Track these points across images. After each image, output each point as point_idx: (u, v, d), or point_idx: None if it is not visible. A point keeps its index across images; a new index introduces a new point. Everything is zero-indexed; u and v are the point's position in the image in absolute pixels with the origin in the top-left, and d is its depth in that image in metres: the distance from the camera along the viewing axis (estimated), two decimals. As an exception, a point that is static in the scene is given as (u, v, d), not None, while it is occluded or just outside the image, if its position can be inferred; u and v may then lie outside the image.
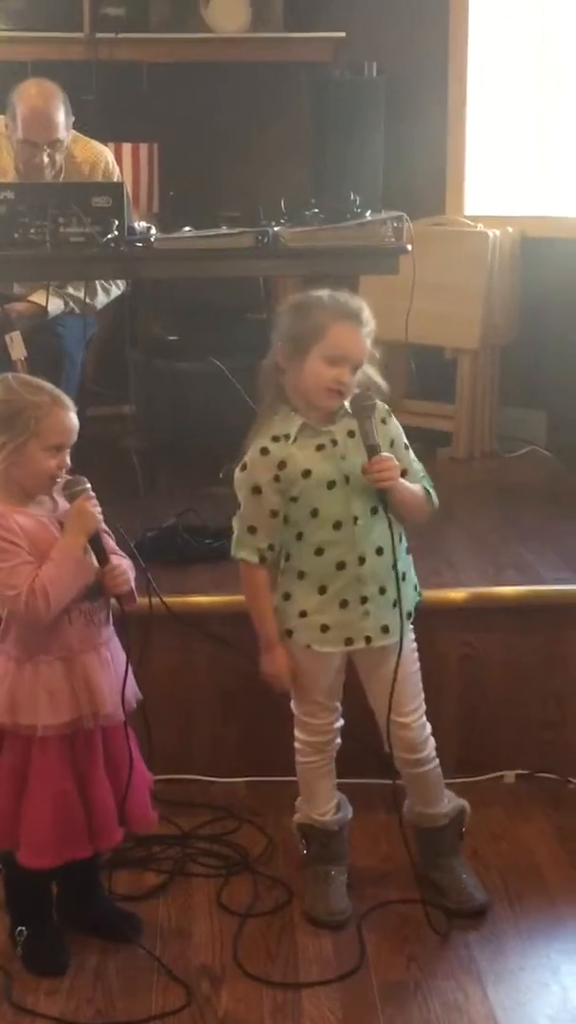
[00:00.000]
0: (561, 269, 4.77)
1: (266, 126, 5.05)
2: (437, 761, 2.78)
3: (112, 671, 2.52)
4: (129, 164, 4.83)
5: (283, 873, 2.89)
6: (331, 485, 2.61)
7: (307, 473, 2.60)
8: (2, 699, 2.50)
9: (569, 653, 3.32)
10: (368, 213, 3.67)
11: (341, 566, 2.63)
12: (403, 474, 2.63)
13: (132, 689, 2.57)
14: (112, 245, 3.48)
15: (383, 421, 2.65)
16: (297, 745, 2.80)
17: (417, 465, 2.71)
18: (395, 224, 3.61)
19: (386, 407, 2.67)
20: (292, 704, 2.78)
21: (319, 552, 2.63)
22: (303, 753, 2.79)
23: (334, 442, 2.61)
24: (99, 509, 2.46)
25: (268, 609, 2.70)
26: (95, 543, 2.46)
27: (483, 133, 5.05)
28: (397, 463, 2.59)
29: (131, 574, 2.55)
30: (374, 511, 2.61)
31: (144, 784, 2.63)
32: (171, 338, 4.38)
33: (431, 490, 2.68)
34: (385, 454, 2.58)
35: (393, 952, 2.63)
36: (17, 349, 3.77)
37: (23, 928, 2.61)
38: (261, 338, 4.52)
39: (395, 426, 2.69)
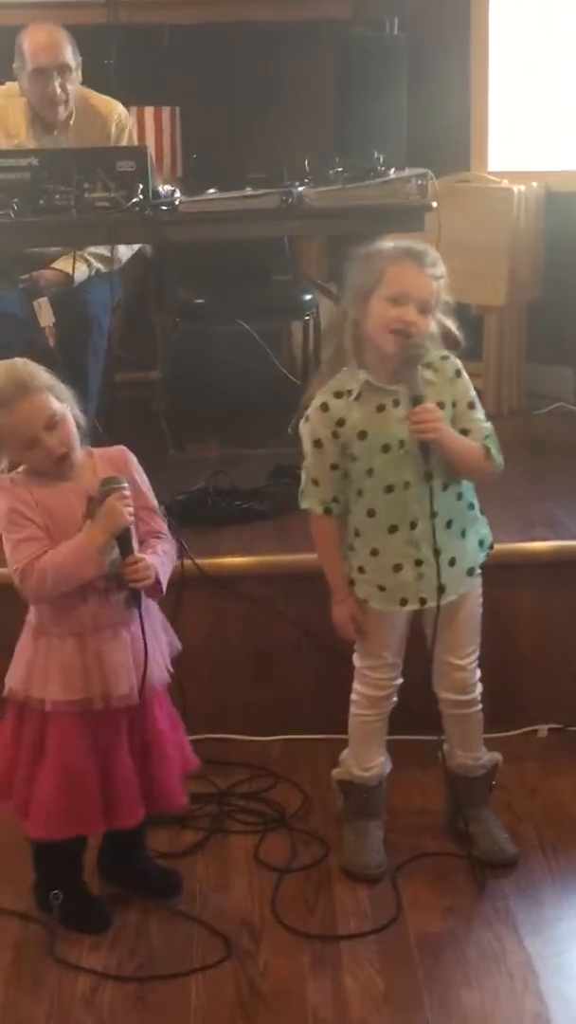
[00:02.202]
0: (587, 225, 4.75)
1: (288, 86, 5.02)
2: (481, 707, 2.80)
3: (130, 651, 2.49)
4: (152, 128, 4.82)
5: (319, 829, 2.92)
6: (386, 449, 2.60)
7: (363, 435, 2.60)
8: (20, 670, 2.52)
9: (601, 609, 3.33)
10: (392, 171, 3.65)
11: (393, 530, 2.63)
12: (465, 433, 2.63)
13: (162, 665, 2.55)
14: (137, 209, 3.47)
15: (457, 374, 2.64)
16: (354, 697, 2.81)
17: (483, 425, 2.67)
18: (419, 182, 3.59)
19: (457, 364, 2.65)
20: (355, 657, 2.79)
21: (371, 514, 2.64)
22: (359, 706, 2.80)
23: (396, 403, 2.60)
24: (131, 508, 2.43)
25: (336, 559, 2.71)
26: (122, 537, 2.43)
27: (506, 88, 5.01)
28: (440, 415, 2.57)
29: (165, 566, 2.51)
30: (428, 475, 2.59)
31: (175, 766, 2.59)
32: (197, 301, 4.37)
33: (493, 450, 2.65)
34: (429, 405, 2.56)
35: (429, 904, 2.66)
36: (45, 316, 3.78)
37: (58, 892, 2.61)
38: (288, 300, 4.56)
39: (464, 384, 2.66)
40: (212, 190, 3.70)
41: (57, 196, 3.47)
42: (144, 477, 2.58)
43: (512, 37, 4.98)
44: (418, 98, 4.83)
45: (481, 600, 2.77)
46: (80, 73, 4.08)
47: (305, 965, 2.50)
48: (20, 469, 2.50)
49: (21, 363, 2.50)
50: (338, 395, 2.62)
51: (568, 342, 4.92)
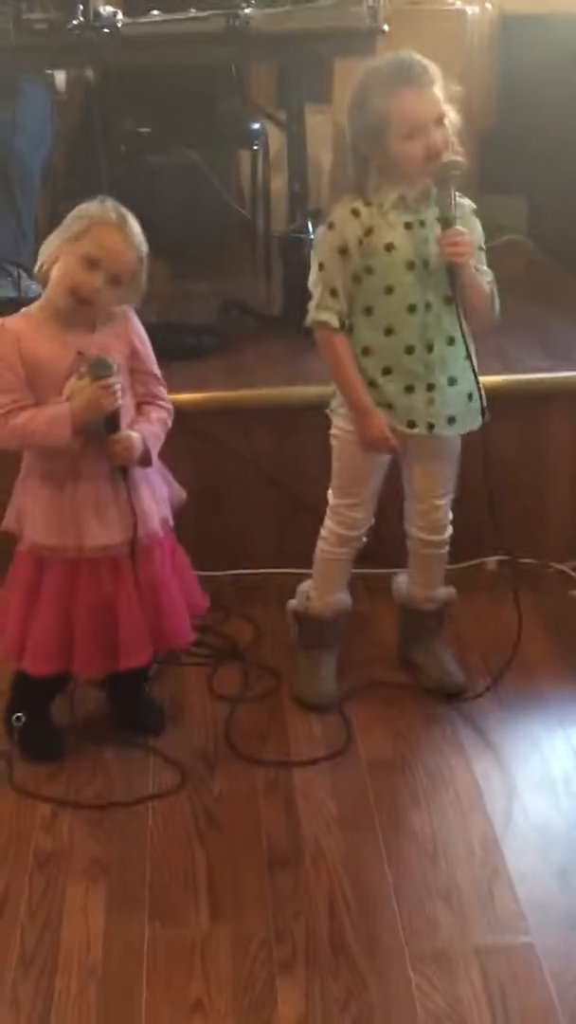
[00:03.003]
0: (543, 49, 4.61)
1: None
2: (448, 547, 2.83)
3: (112, 504, 2.47)
4: (91, -57, 4.61)
5: (271, 660, 2.98)
6: (411, 266, 2.55)
7: (390, 247, 2.54)
8: (13, 509, 2.54)
9: (549, 444, 3.35)
10: (343, -8, 3.54)
11: (410, 350, 2.59)
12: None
13: (155, 514, 2.55)
14: (77, 32, 3.35)
15: (472, 213, 2.59)
16: (324, 534, 2.80)
17: (487, 270, 2.64)
18: (370, 3, 3.48)
19: (472, 205, 2.60)
20: (329, 493, 2.78)
21: (389, 332, 2.58)
22: (328, 542, 2.80)
23: (423, 223, 2.54)
24: (116, 397, 2.38)
25: (356, 374, 2.60)
26: (109, 417, 2.40)
27: None
28: (472, 241, 2.53)
29: (158, 435, 2.51)
30: (448, 300, 2.55)
31: (181, 607, 2.61)
32: (142, 130, 4.26)
33: (495, 296, 2.62)
34: (459, 228, 2.50)
35: (380, 731, 2.73)
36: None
37: (21, 715, 2.68)
38: (235, 128, 4.45)
39: (476, 225, 2.61)
40: (155, 12, 3.57)
41: (-7, 17, 3.34)
42: (145, 339, 2.54)
43: None
44: None
45: (459, 446, 2.77)
46: None
47: (259, 791, 2.57)
48: (33, 306, 2.46)
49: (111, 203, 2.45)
50: (368, 204, 2.54)
51: (522, 172, 4.83)
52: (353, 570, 2.90)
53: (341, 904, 2.28)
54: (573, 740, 2.70)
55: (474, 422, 2.67)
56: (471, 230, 2.60)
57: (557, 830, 2.45)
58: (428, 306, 2.57)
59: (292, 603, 2.91)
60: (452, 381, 2.62)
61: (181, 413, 3.19)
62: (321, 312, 2.58)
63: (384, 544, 2.86)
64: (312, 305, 2.60)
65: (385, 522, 2.84)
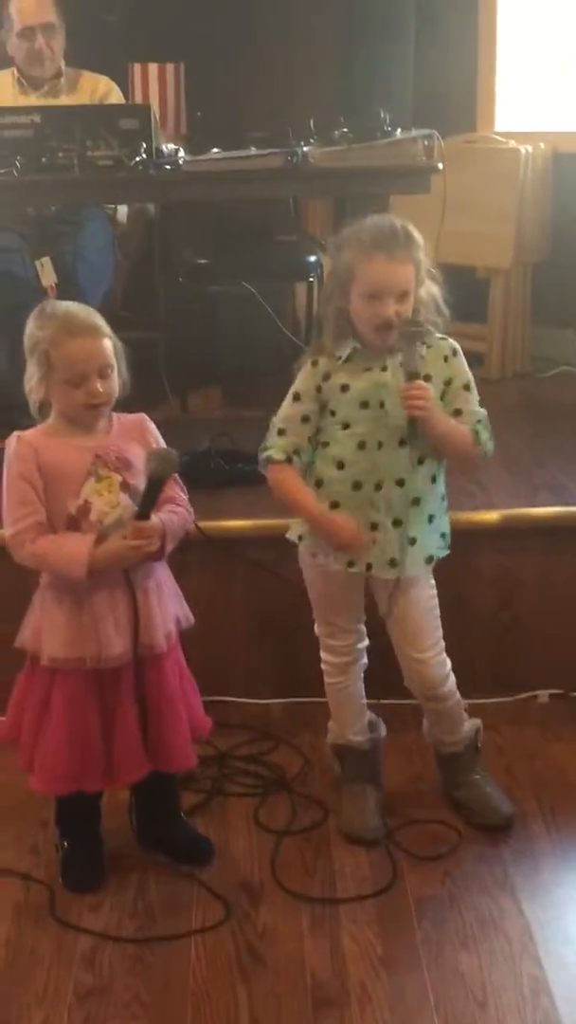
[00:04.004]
0: (595, 186, 4.71)
1: (293, 43, 4.97)
2: (457, 696, 2.79)
3: (125, 613, 2.48)
4: (155, 85, 4.77)
5: (319, 792, 2.93)
6: (364, 405, 2.59)
7: (345, 388, 2.60)
8: (30, 624, 2.54)
9: (602, 573, 3.33)
10: (398, 131, 3.62)
11: (357, 486, 2.61)
12: (456, 414, 2.61)
13: (162, 629, 2.53)
14: (140, 168, 3.45)
15: (446, 358, 2.62)
16: (323, 666, 2.82)
17: (476, 409, 2.64)
18: (426, 142, 3.56)
19: (454, 345, 2.63)
20: (315, 627, 2.81)
21: (340, 466, 2.62)
22: (329, 674, 2.82)
23: (383, 368, 2.59)
24: (153, 543, 2.43)
25: (305, 492, 2.63)
26: (149, 495, 2.44)
27: (513, 47, 4.96)
28: (431, 393, 2.55)
29: (174, 531, 2.50)
30: (401, 442, 2.58)
31: (184, 728, 2.58)
32: (201, 262, 4.34)
33: (483, 436, 2.62)
34: (422, 383, 2.54)
35: (428, 868, 2.67)
36: (47, 275, 3.76)
37: (66, 842, 2.67)
38: (292, 260, 4.53)
39: (459, 365, 2.64)
40: (216, 150, 3.68)
41: (60, 154, 3.45)
42: (160, 441, 2.57)
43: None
44: (424, 56, 4.79)
45: (435, 593, 2.73)
46: (64, 34, 4.19)
47: (304, 927, 2.51)
48: (39, 426, 2.50)
49: (93, 310, 2.51)
50: (329, 356, 2.62)
51: (573, 305, 4.88)
52: (397, 701, 2.89)
53: (387, 1051, 2.21)
54: (627, 882, 2.63)
55: (418, 569, 2.67)
56: (454, 372, 2.62)
57: (611, 977, 2.37)
58: (380, 445, 2.59)
59: (329, 738, 2.90)
60: (397, 523, 2.62)
61: (232, 540, 3.23)
62: (267, 449, 2.66)
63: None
64: (261, 446, 2.67)
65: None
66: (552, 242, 4.84)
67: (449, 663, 2.76)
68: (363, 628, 2.80)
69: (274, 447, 2.65)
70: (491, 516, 3.30)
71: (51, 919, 2.54)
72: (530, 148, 4.67)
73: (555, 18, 4.90)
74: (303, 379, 2.64)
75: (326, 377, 2.61)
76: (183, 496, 2.57)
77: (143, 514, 2.43)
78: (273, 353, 4.12)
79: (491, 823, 2.77)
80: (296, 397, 2.65)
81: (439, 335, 2.63)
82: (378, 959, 2.42)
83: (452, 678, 2.77)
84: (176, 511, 2.53)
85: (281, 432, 2.65)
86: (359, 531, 2.60)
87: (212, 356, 4.44)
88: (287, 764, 3.05)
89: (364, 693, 2.84)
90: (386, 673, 2.83)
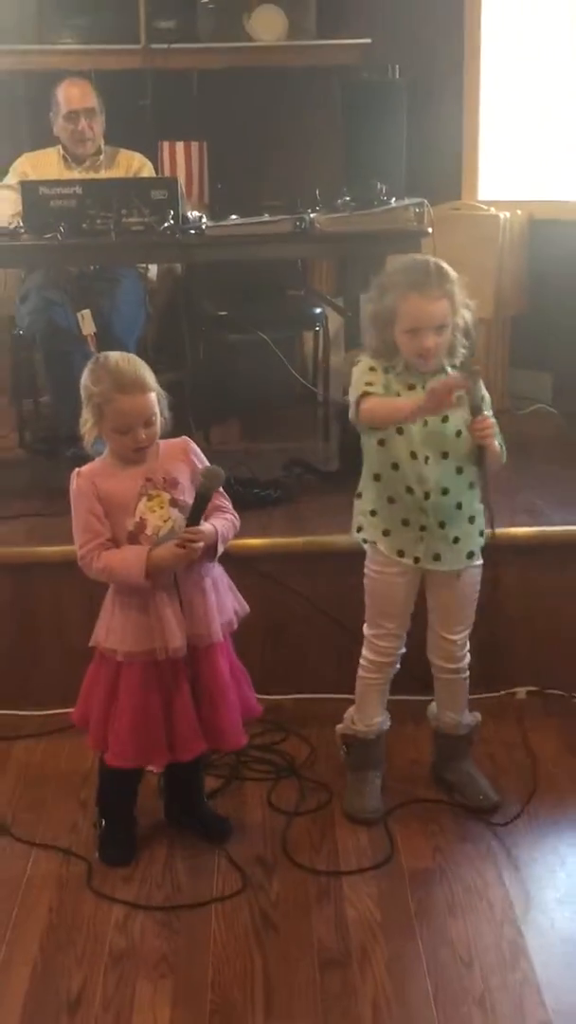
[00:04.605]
0: (566, 248, 4.70)
1: (302, 124, 4.99)
2: (468, 674, 2.78)
3: (181, 610, 2.48)
4: (182, 160, 4.79)
5: (324, 777, 2.91)
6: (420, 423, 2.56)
7: (397, 395, 2.57)
8: (102, 625, 2.55)
9: (574, 587, 3.31)
10: (393, 200, 3.63)
11: (409, 491, 2.60)
12: None
13: (218, 622, 2.54)
14: (169, 233, 3.46)
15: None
16: (362, 662, 2.78)
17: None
18: (417, 209, 3.57)
19: (476, 369, 2.60)
20: (364, 627, 2.77)
21: (395, 467, 2.60)
22: (367, 670, 2.78)
23: (423, 387, 2.55)
24: (200, 545, 2.43)
25: (395, 399, 2.55)
26: (197, 507, 2.45)
27: (495, 126, 4.97)
28: (495, 423, 2.54)
29: (225, 533, 2.50)
30: (445, 455, 2.57)
31: (235, 710, 2.58)
32: (221, 313, 4.35)
33: (503, 446, 2.63)
34: (487, 415, 2.53)
35: (420, 844, 2.65)
36: (87, 325, 3.77)
37: (104, 820, 2.65)
38: (300, 312, 4.54)
39: (482, 387, 2.61)
40: (234, 216, 3.69)
41: (99, 221, 3.46)
42: (204, 460, 2.58)
43: (500, 81, 4.93)
44: (416, 135, 4.80)
45: (479, 585, 2.73)
46: (104, 116, 4.22)
47: (311, 897, 2.49)
48: (95, 460, 2.53)
49: (141, 361, 2.51)
50: (382, 363, 2.58)
51: (548, 350, 4.88)
52: (396, 697, 2.86)
53: (384, 1006, 2.19)
54: (596, 858, 2.61)
55: (463, 563, 2.66)
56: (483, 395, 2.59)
57: (582, 942, 2.35)
58: (426, 459, 2.57)
59: (340, 727, 2.87)
60: (443, 525, 2.62)
61: (249, 557, 3.22)
62: (361, 391, 2.56)
63: (427, 675, 2.81)
64: (355, 399, 2.57)
65: (422, 657, 2.80)
66: (528, 296, 4.84)
67: (468, 645, 2.75)
68: (405, 636, 2.76)
69: (367, 387, 2.55)
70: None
71: (88, 890, 2.53)
72: (508, 215, 4.67)
73: (531, 102, 4.91)
74: (369, 367, 2.57)
75: (386, 371, 2.57)
76: (228, 504, 2.58)
77: (193, 522, 2.45)
78: (284, 393, 4.14)
79: (480, 805, 2.76)
80: (373, 369, 2.57)
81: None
82: (377, 925, 2.40)
83: (468, 658, 2.77)
84: (225, 517, 2.54)
85: (370, 384, 2.55)
86: (449, 381, 2.51)
87: (231, 395, 4.43)
88: (296, 753, 3.03)
89: (388, 691, 2.82)
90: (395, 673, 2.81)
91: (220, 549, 2.51)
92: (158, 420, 2.47)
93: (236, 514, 2.58)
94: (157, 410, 2.46)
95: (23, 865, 2.61)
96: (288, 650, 3.27)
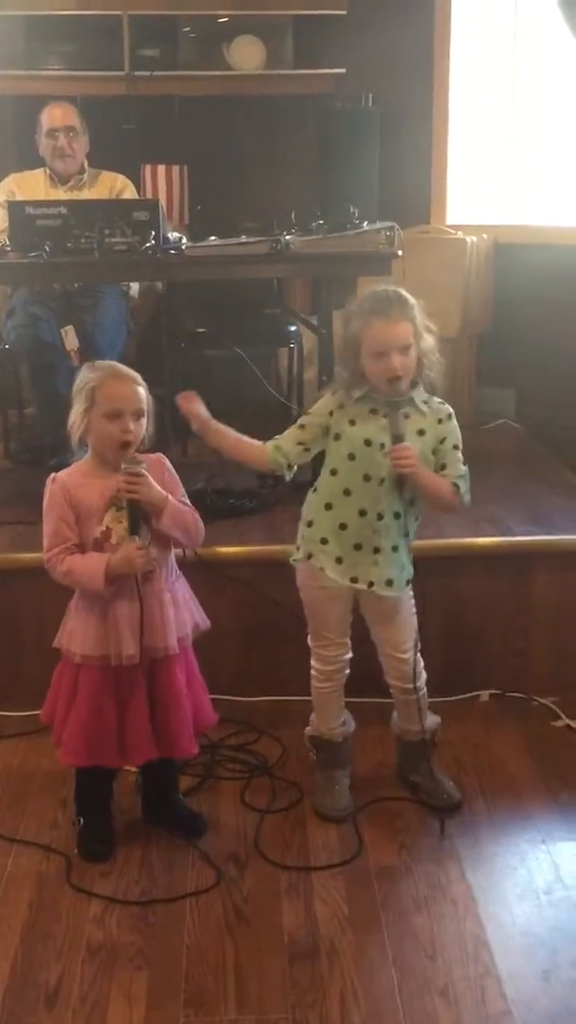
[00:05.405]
0: (529, 270, 4.73)
1: (278, 150, 5.00)
2: (425, 690, 2.78)
3: (139, 619, 2.47)
4: (163, 183, 4.78)
5: (296, 777, 2.91)
6: (368, 443, 2.57)
7: (352, 422, 2.58)
8: (65, 628, 2.56)
9: (534, 593, 3.32)
10: (365, 224, 3.62)
11: (363, 513, 2.60)
12: (442, 468, 2.60)
13: (173, 636, 2.52)
14: (150, 252, 3.45)
15: (441, 420, 2.60)
16: (312, 672, 2.79)
17: (460, 467, 2.62)
18: (388, 233, 3.57)
19: (449, 410, 2.62)
20: (308, 639, 2.78)
21: (347, 493, 2.60)
22: (317, 679, 2.79)
23: (386, 415, 2.56)
24: (143, 552, 2.42)
25: (239, 442, 2.69)
26: (134, 518, 2.44)
27: (462, 154, 4.99)
28: (415, 453, 2.53)
29: (179, 514, 2.49)
30: (401, 481, 2.57)
31: (188, 719, 2.56)
32: (200, 330, 4.35)
33: (463, 489, 2.61)
34: (406, 444, 2.52)
35: (387, 841, 2.65)
36: (71, 340, 3.76)
37: (81, 818, 2.64)
38: (275, 330, 4.53)
39: (452, 427, 2.62)
40: (213, 237, 3.68)
41: (83, 240, 3.44)
42: (175, 476, 2.59)
43: (468, 110, 4.96)
44: (387, 161, 4.81)
45: (414, 604, 2.74)
46: (87, 138, 4.22)
47: (282, 892, 2.49)
48: (72, 466, 2.53)
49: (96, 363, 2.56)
50: (347, 393, 2.60)
51: (512, 368, 4.90)
52: (361, 700, 2.87)
53: (351, 997, 2.18)
54: (554, 855, 2.61)
55: (403, 588, 2.68)
56: (448, 433, 2.61)
57: (540, 935, 2.35)
58: (382, 480, 2.58)
59: (308, 729, 2.87)
60: (395, 549, 2.63)
61: (224, 563, 3.21)
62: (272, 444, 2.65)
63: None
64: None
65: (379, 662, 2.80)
66: (493, 317, 4.86)
67: (422, 662, 2.75)
68: (349, 642, 2.77)
69: (273, 442, 2.65)
70: (440, 544, 3.29)
71: (67, 885, 2.51)
72: (475, 238, 4.69)
73: (497, 131, 4.94)
74: (319, 407, 2.63)
75: (340, 406, 2.59)
76: (188, 502, 2.57)
77: (133, 517, 2.44)
78: (260, 406, 4.13)
79: (443, 805, 2.75)
80: (301, 427, 2.64)
81: (438, 400, 2.62)
82: (345, 919, 2.40)
83: (424, 675, 2.76)
84: (183, 502, 2.54)
85: (286, 436, 2.65)
86: (198, 409, 2.68)
87: (209, 409, 4.41)
88: (269, 752, 3.02)
89: (344, 696, 2.82)
90: (354, 677, 2.82)
91: (167, 523, 2.46)
92: (145, 421, 2.47)
93: (197, 516, 2.56)
94: (146, 409, 2.46)
95: (4, 861, 2.59)
96: (262, 654, 3.27)
